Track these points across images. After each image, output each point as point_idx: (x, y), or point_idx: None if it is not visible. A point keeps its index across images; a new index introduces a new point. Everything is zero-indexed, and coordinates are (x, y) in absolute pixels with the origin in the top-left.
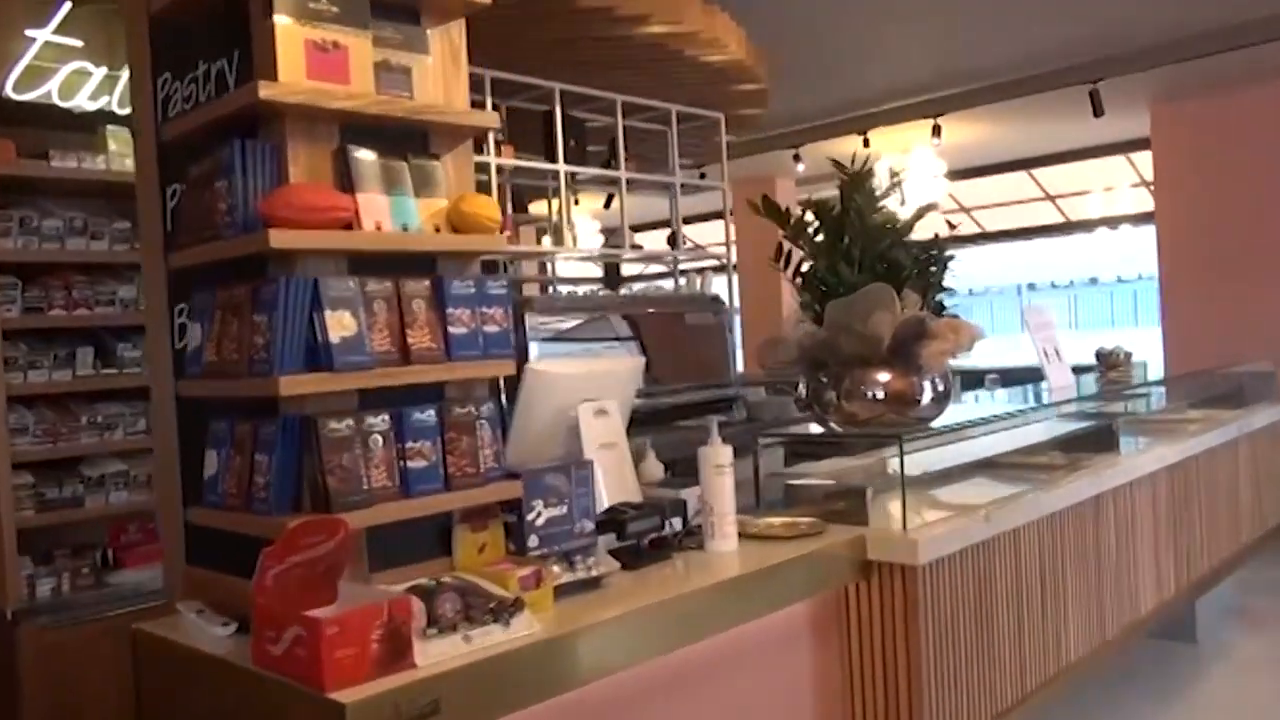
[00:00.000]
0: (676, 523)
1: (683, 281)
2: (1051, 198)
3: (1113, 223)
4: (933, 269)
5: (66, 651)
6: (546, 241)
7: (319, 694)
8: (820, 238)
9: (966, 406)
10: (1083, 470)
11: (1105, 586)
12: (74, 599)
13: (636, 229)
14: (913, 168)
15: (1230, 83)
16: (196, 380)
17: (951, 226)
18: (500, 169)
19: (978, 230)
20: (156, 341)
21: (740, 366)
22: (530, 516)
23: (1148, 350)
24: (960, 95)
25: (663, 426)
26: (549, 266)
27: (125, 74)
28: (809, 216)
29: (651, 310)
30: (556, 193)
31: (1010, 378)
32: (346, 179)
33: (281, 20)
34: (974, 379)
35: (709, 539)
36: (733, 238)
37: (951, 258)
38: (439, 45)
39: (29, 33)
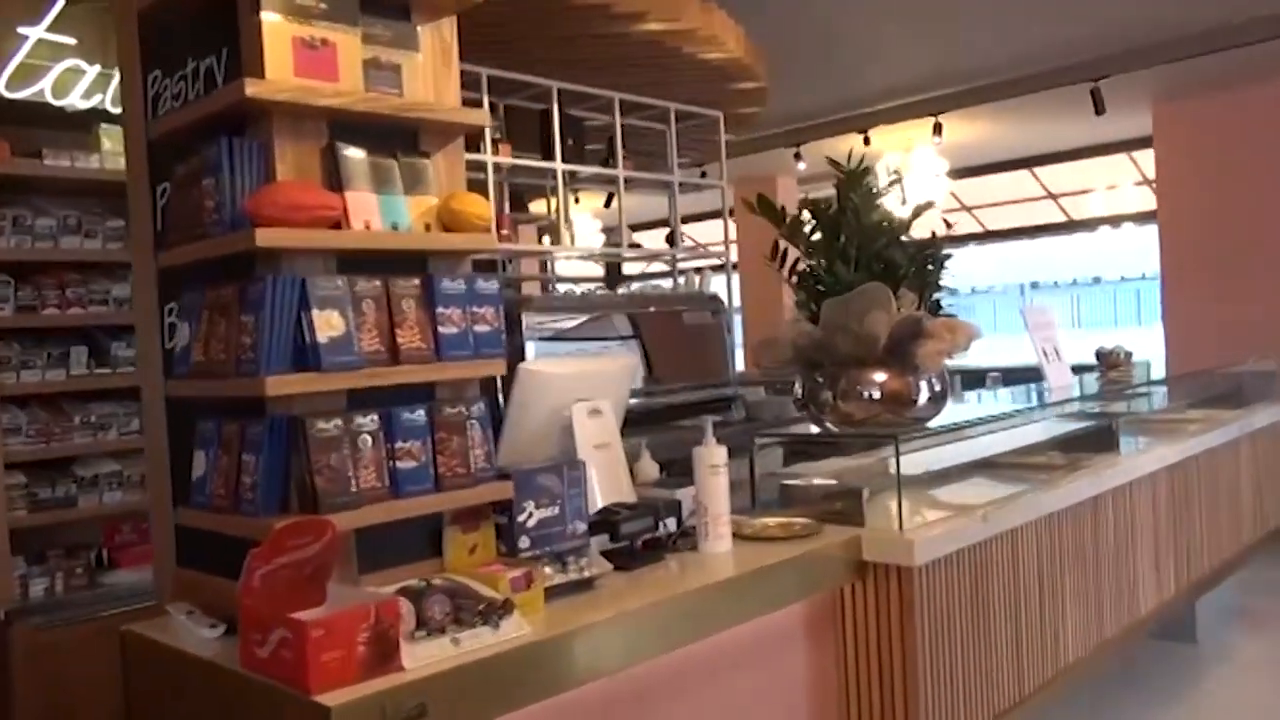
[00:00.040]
0: (671, 523)
1: (681, 281)
2: (1054, 196)
3: (1115, 221)
4: (930, 268)
5: (59, 652)
6: (547, 240)
7: (304, 696)
8: (816, 236)
9: (968, 406)
10: (1082, 470)
11: (1104, 587)
12: (67, 599)
13: (640, 228)
14: (914, 166)
15: (1233, 82)
16: (184, 380)
17: (949, 225)
18: (498, 167)
19: (980, 229)
20: (147, 341)
21: (740, 366)
22: (521, 517)
23: (1150, 350)
24: (961, 93)
25: (660, 426)
26: (550, 265)
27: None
28: (805, 215)
29: (649, 310)
30: (555, 191)
31: (1012, 377)
32: (335, 177)
33: (269, 17)
34: (975, 378)
35: (703, 540)
36: (733, 237)
37: (948, 256)
38: (430, 42)
39: (22, 30)
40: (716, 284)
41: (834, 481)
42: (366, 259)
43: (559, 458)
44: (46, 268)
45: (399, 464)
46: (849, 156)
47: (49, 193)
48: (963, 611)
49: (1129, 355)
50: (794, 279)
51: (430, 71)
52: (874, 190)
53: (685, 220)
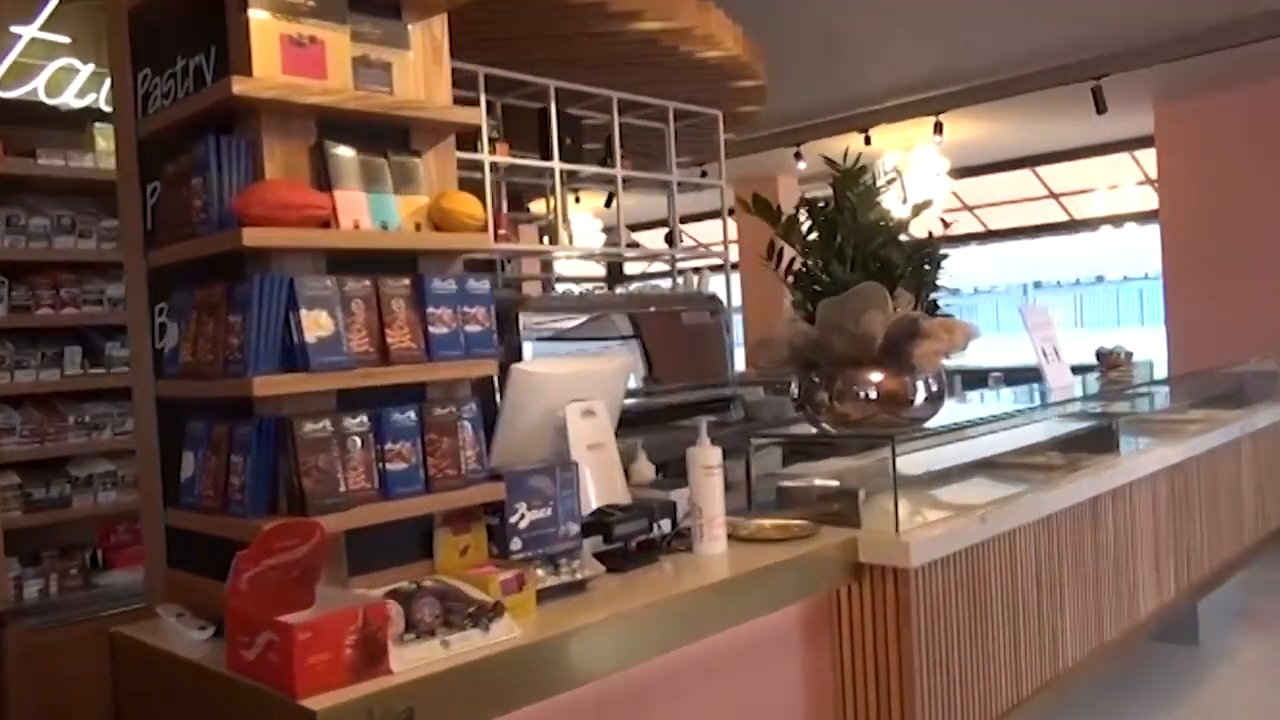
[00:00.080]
0: (665, 525)
1: (680, 281)
2: (1056, 196)
3: (1117, 221)
4: (927, 268)
5: (53, 653)
6: (547, 240)
7: (291, 700)
8: (813, 235)
9: (968, 406)
10: (1081, 471)
11: (1104, 589)
12: (61, 600)
13: (641, 227)
14: (915, 166)
15: (1234, 81)
16: (174, 380)
17: (946, 225)
18: (495, 167)
19: (982, 229)
20: (138, 341)
21: (740, 366)
22: (513, 519)
23: (1153, 350)
24: (962, 92)
25: (658, 426)
26: (551, 265)
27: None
28: (801, 214)
29: (647, 310)
30: (554, 190)
31: (1014, 377)
32: (324, 176)
33: (257, 14)
34: (977, 378)
35: (698, 541)
36: (734, 236)
37: (945, 256)
38: (420, 40)
39: (15, 29)
40: (716, 284)
41: (830, 482)
42: (356, 258)
43: (553, 458)
44: (41, 268)
45: (389, 465)
46: (844, 155)
47: (43, 192)
48: (960, 613)
49: (1129, 355)
50: (790, 279)
51: (421, 69)
52: (871, 188)
53: (687, 220)
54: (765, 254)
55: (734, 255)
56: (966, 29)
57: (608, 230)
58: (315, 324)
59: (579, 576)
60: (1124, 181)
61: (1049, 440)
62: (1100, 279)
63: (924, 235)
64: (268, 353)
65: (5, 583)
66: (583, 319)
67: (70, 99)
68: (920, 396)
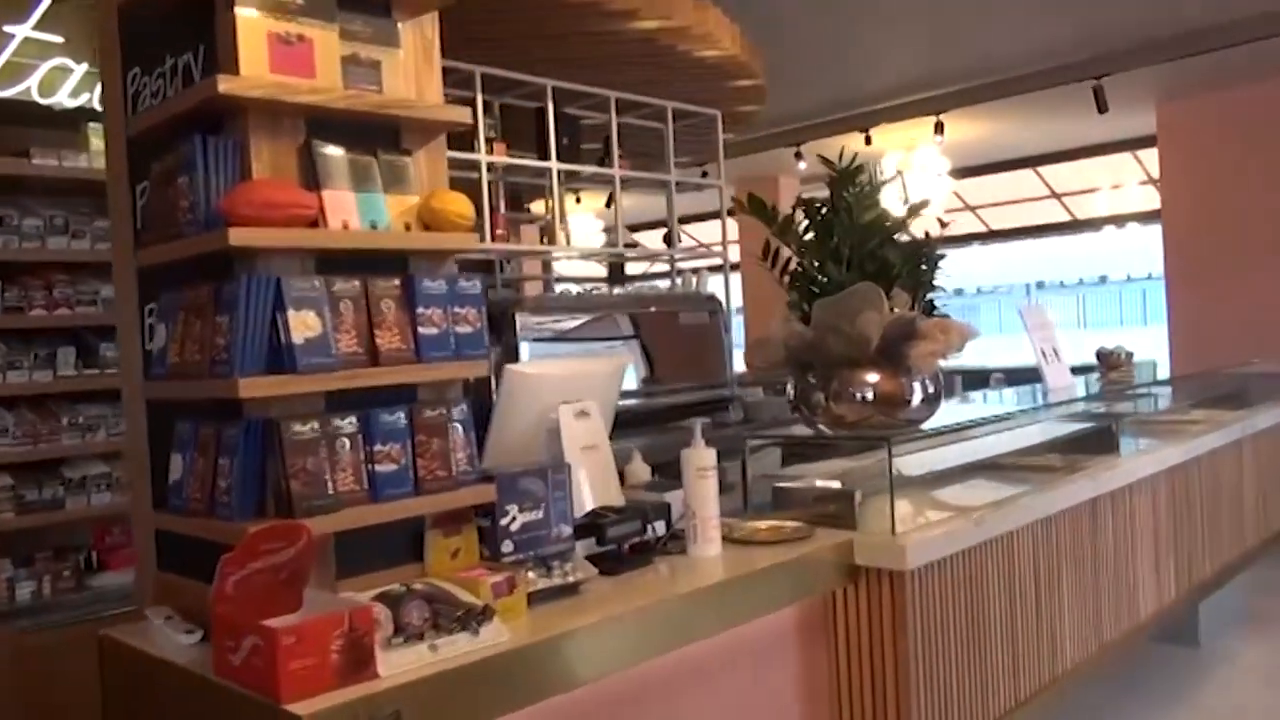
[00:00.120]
0: (660, 527)
1: (678, 281)
2: (1058, 195)
3: (1120, 221)
4: (924, 268)
5: (45, 655)
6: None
7: (275, 705)
8: (809, 236)
9: (969, 406)
10: (1080, 472)
11: (1103, 591)
12: (54, 602)
13: (642, 227)
14: (916, 165)
15: (1236, 80)
16: (161, 382)
17: (943, 225)
18: (493, 167)
19: (984, 229)
20: (128, 342)
21: (740, 366)
22: (504, 521)
23: (1156, 350)
24: (962, 92)
25: (656, 427)
26: (551, 265)
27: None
28: (798, 214)
29: (645, 310)
30: (552, 191)
31: (1016, 378)
32: (312, 175)
33: (244, 12)
34: (979, 379)
35: (692, 543)
36: (734, 236)
37: (942, 256)
38: (411, 39)
39: (8, 28)
40: (715, 284)
41: (827, 484)
42: (345, 258)
43: (548, 460)
44: (34, 268)
45: (378, 467)
46: (840, 155)
47: (36, 192)
48: (957, 616)
49: (1130, 356)
50: (786, 279)
51: (412, 68)
52: (868, 188)
53: (688, 220)
54: (761, 254)
55: (734, 255)
56: (967, 28)
57: (608, 230)
58: (303, 324)
59: (571, 579)
60: (1126, 181)
61: (1048, 441)
62: (1103, 279)
63: (922, 235)
64: (254, 354)
65: None
66: (582, 319)
67: (64, 99)
68: (917, 397)
